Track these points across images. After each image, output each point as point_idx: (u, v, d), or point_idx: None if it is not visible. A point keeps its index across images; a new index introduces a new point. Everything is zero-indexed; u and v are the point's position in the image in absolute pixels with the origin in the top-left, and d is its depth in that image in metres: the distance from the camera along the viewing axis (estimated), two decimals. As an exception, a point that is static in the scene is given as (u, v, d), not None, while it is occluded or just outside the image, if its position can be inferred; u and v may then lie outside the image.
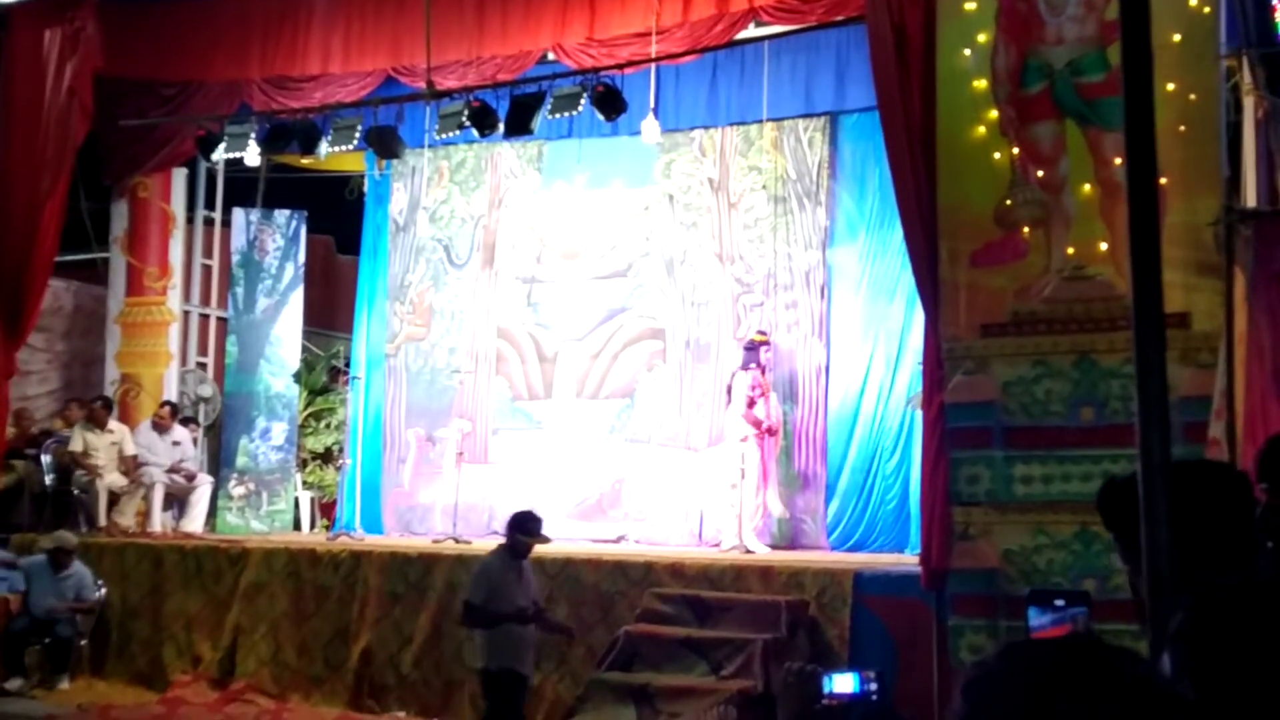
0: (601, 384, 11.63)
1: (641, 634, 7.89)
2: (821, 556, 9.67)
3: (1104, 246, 7.40)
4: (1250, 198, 7.96)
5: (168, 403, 11.91)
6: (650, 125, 10.41)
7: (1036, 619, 1.73)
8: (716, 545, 10.19)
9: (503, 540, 7.22)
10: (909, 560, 8.75)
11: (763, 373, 10.16)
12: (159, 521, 11.34)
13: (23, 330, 11.31)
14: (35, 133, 11.07)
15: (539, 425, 11.84)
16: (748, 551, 9.59)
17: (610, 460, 11.42)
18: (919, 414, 8.64)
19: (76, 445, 11.15)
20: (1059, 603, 1.72)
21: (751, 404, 9.96)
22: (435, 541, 10.29)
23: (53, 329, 13.19)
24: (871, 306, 10.63)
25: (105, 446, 11.27)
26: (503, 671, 6.94)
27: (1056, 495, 7.27)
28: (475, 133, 10.55)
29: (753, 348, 10.23)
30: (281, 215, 13.12)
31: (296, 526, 12.71)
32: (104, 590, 10.06)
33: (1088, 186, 7.48)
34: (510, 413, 11.97)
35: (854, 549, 10.16)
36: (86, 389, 12.76)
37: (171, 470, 11.48)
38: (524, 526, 7.16)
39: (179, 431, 11.75)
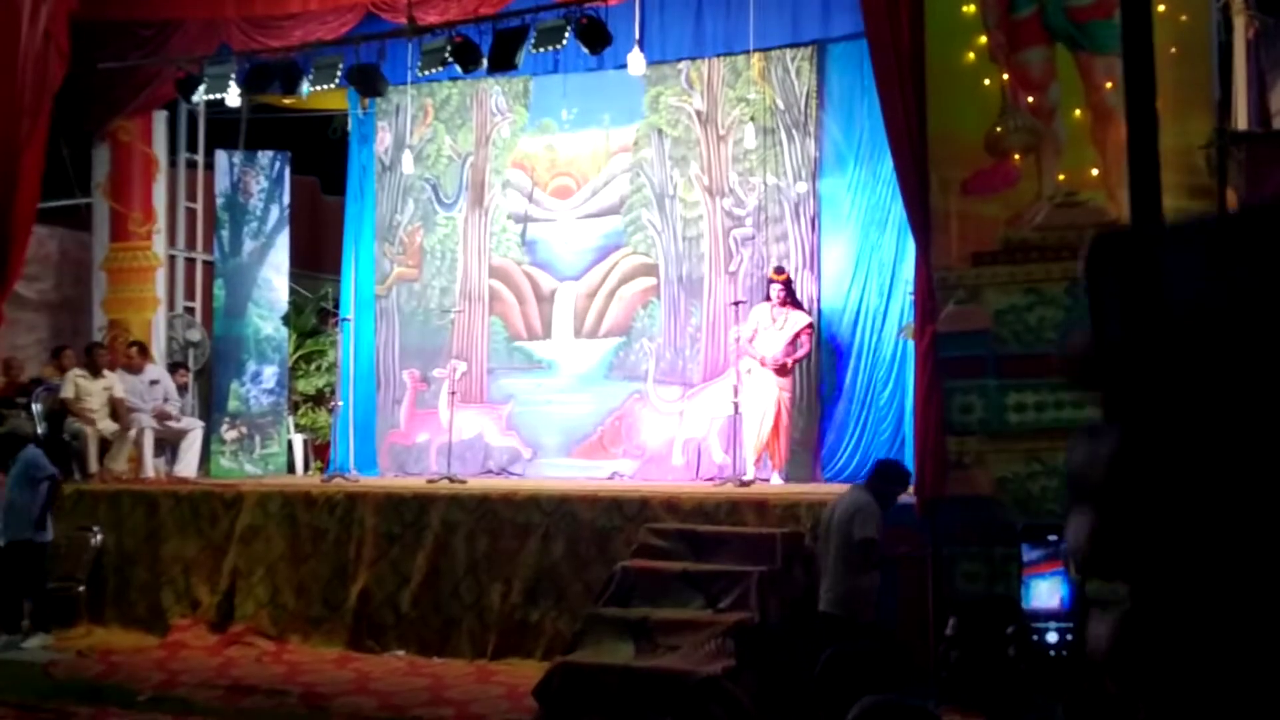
0: (599, 322, 11.61)
1: (638, 569, 7.92)
2: (816, 488, 9.70)
3: (1095, 172, 7.35)
4: (1241, 119, 7.89)
5: (135, 343, 11.84)
6: (636, 58, 10.27)
7: (1029, 554, 1.71)
8: (711, 479, 10.24)
9: (864, 484, 6.91)
10: (903, 490, 8.76)
11: (775, 307, 10.02)
12: (151, 467, 11.34)
13: (9, 279, 11.21)
14: (12, 78, 10.87)
15: (538, 364, 11.85)
16: (743, 482, 9.62)
17: (609, 397, 11.44)
18: (912, 344, 8.63)
19: (69, 392, 11.10)
20: (1051, 538, 1.70)
21: (750, 339, 10.03)
22: (430, 481, 10.31)
23: (41, 277, 13.10)
24: (863, 237, 10.58)
25: (98, 392, 11.23)
26: (858, 624, 6.56)
27: (1049, 423, 7.28)
28: (459, 69, 10.43)
29: (769, 282, 10.20)
30: (265, 157, 12.98)
31: (290, 469, 12.72)
32: (100, 536, 10.06)
33: (1079, 111, 7.41)
34: (508, 352, 11.97)
35: (849, 480, 10.17)
36: (76, 337, 12.70)
37: (159, 415, 11.44)
38: (902, 478, 6.99)
39: (153, 370, 11.69)
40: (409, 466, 12.05)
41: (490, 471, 11.55)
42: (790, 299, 10.14)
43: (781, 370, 9.97)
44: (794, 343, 10.00)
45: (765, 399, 9.95)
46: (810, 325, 10.15)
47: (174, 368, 12.36)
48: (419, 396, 12.25)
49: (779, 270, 10.28)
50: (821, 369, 10.63)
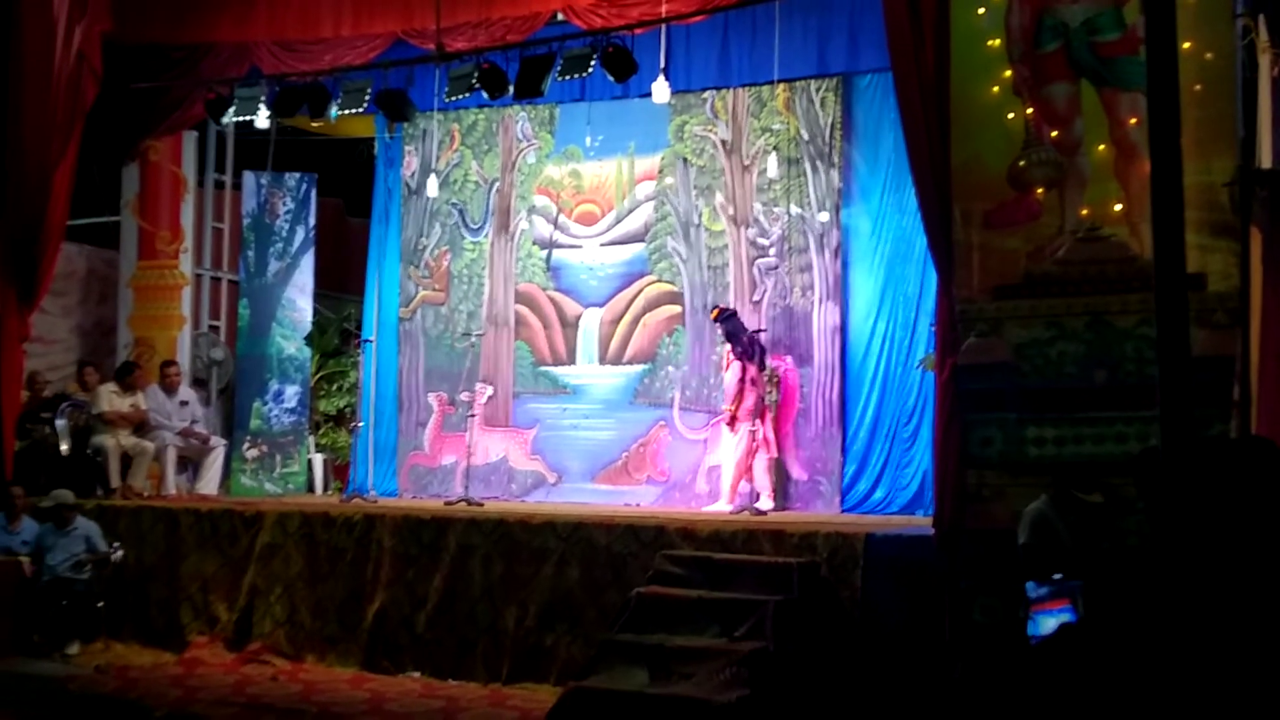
0: (624, 349, 11.66)
1: (654, 595, 7.91)
2: (833, 517, 9.70)
3: (1118, 207, 7.34)
4: (1266, 158, 7.88)
5: (172, 363, 11.96)
6: (661, 86, 10.33)
7: (1036, 590, 1.73)
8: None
9: (1051, 489, 6.86)
10: (922, 522, 8.75)
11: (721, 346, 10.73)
12: (173, 484, 11.42)
13: (36, 294, 11.29)
14: (46, 98, 10.99)
15: (563, 389, 11.90)
16: (758, 513, 9.65)
17: (634, 424, 11.49)
18: (933, 375, 8.63)
19: (104, 405, 11.24)
20: (1057, 576, 1.72)
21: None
22: (447, 504, 10.34)
23: (68, 293, 13.21)
24: (887, 269, 10.60)
25: (127, 409, 11.38)
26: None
27: (1069, 457, 7.26)
28: (486, 95, 10.51)
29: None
30: (292, 178, 13.11)
31: (310, 489, 12.79)
32: (121, 552, 10.10)
33: (1102, 147, 7.41)
34: (533, 377, 12.02)
35: (870, 511, 10.19)
36: (102, 354, 12.82)
37: (186, 434, 11.54)
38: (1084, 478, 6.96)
39: (185, 390, 11.82)
40: (433, 488, 12.11)
41: (512, 494, 11.62)
42: (728, 335, 10.39)
43: (731, 398, 10.33)
44: (729, 369, 10.43)
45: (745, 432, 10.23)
46: (731, 349, 10.41)
47: (195, 385, 12.46)
48: (445, 419, 12.32)
49: (711, 309, 10.75)
50: (845, 400, 10.63)
